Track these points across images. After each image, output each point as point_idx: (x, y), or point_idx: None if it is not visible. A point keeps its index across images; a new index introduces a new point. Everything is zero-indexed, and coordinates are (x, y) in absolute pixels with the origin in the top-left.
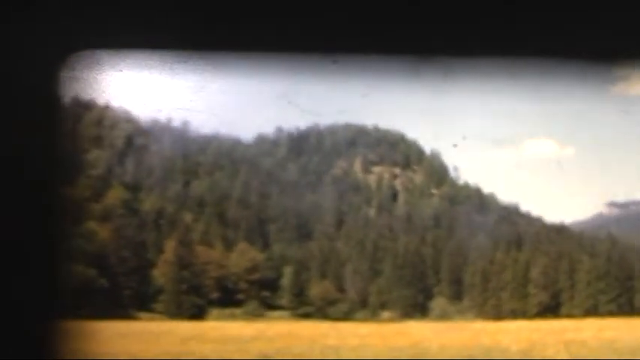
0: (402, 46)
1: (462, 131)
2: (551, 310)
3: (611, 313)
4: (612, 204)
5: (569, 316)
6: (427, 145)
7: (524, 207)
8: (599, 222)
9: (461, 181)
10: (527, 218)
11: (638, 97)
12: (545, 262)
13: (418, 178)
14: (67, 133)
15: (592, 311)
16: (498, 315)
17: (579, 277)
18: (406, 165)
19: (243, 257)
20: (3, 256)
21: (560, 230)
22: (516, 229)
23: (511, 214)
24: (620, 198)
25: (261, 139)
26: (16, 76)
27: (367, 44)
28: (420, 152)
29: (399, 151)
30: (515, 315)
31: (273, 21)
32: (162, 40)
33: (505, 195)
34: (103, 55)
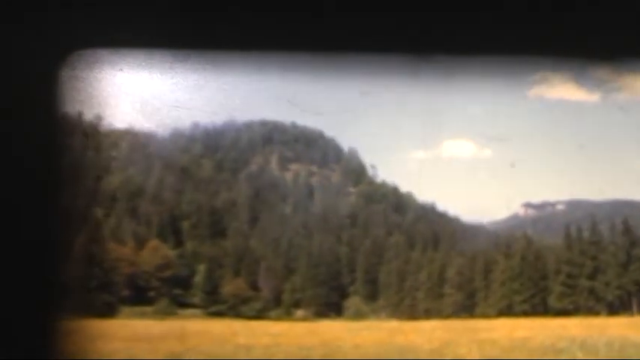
0: (402, 46)
1: (381, 130)
2: (466, 309)
3: (525, 313)
4: (528, 205)
5: (484, 315)
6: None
7: (441, 207)
8: (514, 222)
9: (378, 180)
10: (444, 218)
11: (554, 100)
12: (461, 262)
13: (335, 176)
14: (67, 133)
15: (506, 311)
16: (413, 314)
17: (494, 277)
18: (323, 163)
19: (155, 254)
20: (3, 256)
21: (476, 230)
22: (433, 229)
23: (428, 213)
24: (536, 199)
25: (176, 135)
26: (16, 75)
27: (367, 43)
28: (337, 150)
29: (317, 149)
30: (430, 314)
31: (273, 20)
32: (162, 38)
33: (422, 194)
34: (103, 54)
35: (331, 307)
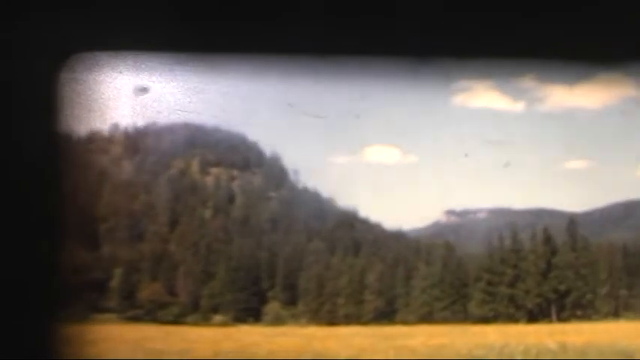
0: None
1: (305, 135)
2: (386, 316)
3: (446, 320)
4: (450, 212)
5: (404, 322)
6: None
7: (363, 213)
8: (436, 230)
9: (300, 185)
10: (366, 224)
11: (478, 109)
12: (382, 269)
13: (257, 180)
14: (67, 135)
15: (427, 318)
16: (332, 320)
17: (415, 283)
18: (245, 167)
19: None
20: (3, 256)
21: (397, 237)
22: (354, 235)
23: (349, 219)
24: (458, 206)
25: (95, 136)
26: (16, 78)
27: (367, 45)
28: (260, 155)
29: (239, 153)
30: (349, 320)
31: (273, 23)
32: (162, 42)
33: (344, 200)
34: (103, 57)
35: (250, 312)
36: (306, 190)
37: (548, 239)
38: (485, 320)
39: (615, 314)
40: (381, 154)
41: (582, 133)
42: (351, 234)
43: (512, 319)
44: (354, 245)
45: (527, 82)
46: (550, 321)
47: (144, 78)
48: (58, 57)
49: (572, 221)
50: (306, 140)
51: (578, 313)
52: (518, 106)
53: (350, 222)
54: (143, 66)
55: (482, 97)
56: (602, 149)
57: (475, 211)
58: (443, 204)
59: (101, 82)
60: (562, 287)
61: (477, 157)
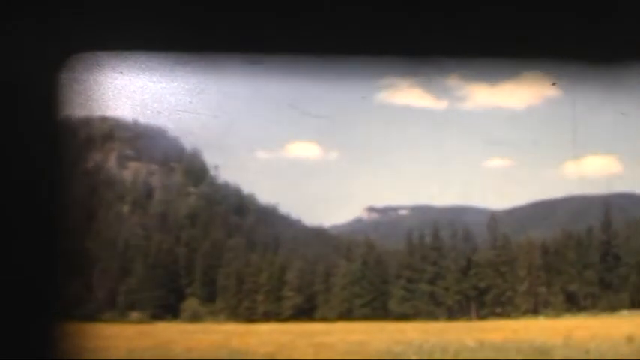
0: (402, 48)
1: (226, 130)
2: (305, 312)
3: (365, 317)
4: (371, 209)
5: (324, 319)
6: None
7: (284, 209)
8: (357, 227)
9: (220, 181)
10: (286, 220)
11: (402, 106)
12: (302, 265)
13: (176, 176)
14: (67, 135)
15: (346, 314)
16: (251, 317)
17: (335, 280)
18: (165, 162)
19: None
20: (3, 255)
21: (318, 233)
22: (273, 232)
23: (269, 215)
24: (380, 204)
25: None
26: (16, 78)
27: (368, 46)
28: (179, 149)
29: (158, 148)
30: (268, 317)
31: (274, 23)
32: (162, 41)
33: (265, 196)
34: (104, 57)
35: (168, 308)
36: (226, 186)
37: (468, 237)
38: (405, 317)
39: (534, 311)
40: (302, 150)
41: (504, 132)
42: (271, 230)
43: (432, 316)
44: (273, 241)
45: (451, 81)
46: (470, 318)
47: (144, 78)
48: (58, 57)
49: (493, 219)
50: (227, 136)
51: (498, 310)
52: (441, 104)
53: (270, 218)
54: (143, 66)
55: (405, 95)
56: (524, 148)
57: (396, 209)
58: (364, 201)
59: (101, 83)
60: (482, 284)
61: (399, 154)
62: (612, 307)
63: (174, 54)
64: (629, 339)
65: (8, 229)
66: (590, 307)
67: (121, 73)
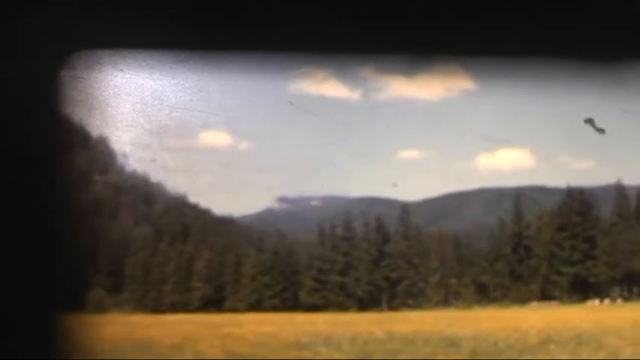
0: (401, 47)
1: (135, 119)
2: (214, 303)
3: (275, 308)
4: (282, 199)
5: (233, 310)
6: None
7: (193, 198)
8: (268, 216)
9: (129, 169)
10: (195, 210)
11: (315, 96)
12: (211, 256)
13: (81, 162)
14: (68, 133)
15: (256, 305)
16: (158, 308)
17: (245, 271)
18: (68, 148)
19: None
20: (3, 255)
21: (227, 223)
22: (182, 221)
23: (178, 205)
24: (291, 194)
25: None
26: (16, 76)
27: (367, 44)
28: (86, 136)
29: (63, 134)
30: (176, 308)
31: (274, 20)
32: (162, 39)
33: (174, 185)
34: (104, 55)
35: (72, 299)
36: (134, 174)
37: (380, 227)
38: (315, 308)
39: (445, 303)
40: (213, 139)
41: (418, 123)
42: (180, 220)
43: (342, 307)
44: (182, 231)
45: (365, 72)
46: (381, 309)
47: (144, 76)
48: (58, 55)
49: (405, 210)
50: (136, 123)
51: (409, 301)
52: (355, 95)
53: (179, 208)
54: (144, 64)
55: (319, 85)
56: (438, 140)
57: (308, 199)
58: (275, 191)
59: (102, 80)
60: (393, 275)
61: (312, 144)
62: (522, 299)
63: (175, 52)
64: (539, 330)
65: (9, 226)
66: (501, 298)
67: (121, 70)
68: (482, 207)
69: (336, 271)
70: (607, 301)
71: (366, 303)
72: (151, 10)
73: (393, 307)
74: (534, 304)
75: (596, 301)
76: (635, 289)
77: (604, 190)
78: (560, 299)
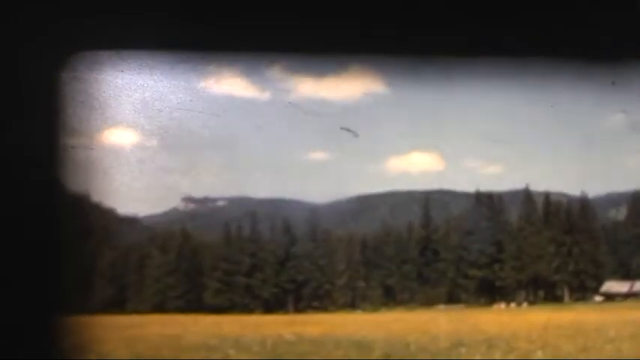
0: (404, 48)
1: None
2: (117, 305)
3: (179, 309)
4: (188, 199)
5: (136, 311)
6: None
7: (96, 197)
8: (173, 217)
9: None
10: (98, 209)
11: (224, 96)
12: (114, 256)
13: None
14: (68, 134)
15: (160, 307)
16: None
17: (148, 272)
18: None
19: None
20: (3, 255)
21: (131, 223)
22: (85, 220)
23: (81, 204)
24: (197, 194)
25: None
26: (17, 77)
27: (368, 45)
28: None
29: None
30: (78, 310)
31: (274, 21)
32: (163, 40)
33: (75, 184)
34: (104, 56)
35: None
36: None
37: (287, 229)
38: (220, 310)
39: (352, 305)
40: (118, 137)
41: (328, 125)
42: (82, 219)
43: (247, 309)
44: (84, 231)
45: (275, 73)
46: (286, 312)
47: (145, 77)
48: (59, 56)
49: (313, 212)
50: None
51: (315, 304)
52: (265, 96)
53: (81, 207)
54: (144, 65)
55: (228, 84)
56: (348, 142)
57: (214, 199)
58: (181, 191)
59: (102, 81)
60: (300, 277)
61: (219, 143)
62: (430, 302)
63: (175, 53)
64: (449, 334)
65: (9, 227)
66: (408, 301)
67: (122, 71)
68: (390, 210)
69: (242, 273)
70: (513, 304)
71: (272, 305)
72: (152, 12)
73: (298, 310)
74: (441, 307)
75: (503, 305)
76: (541, 293)
77: (512, 195)
78: (467, 302)
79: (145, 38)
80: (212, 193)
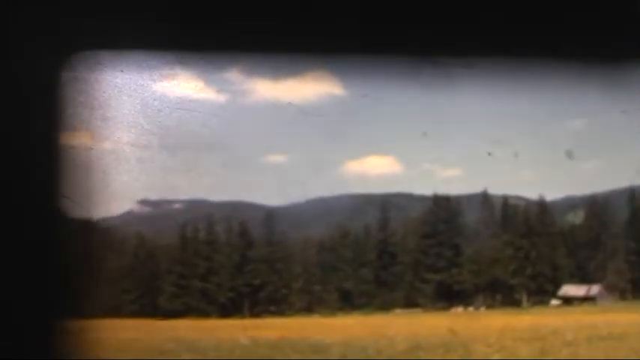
0: (403, 47)
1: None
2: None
3: (134, 314)
4: (144, 202)
5: (92, 315)
6: None
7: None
8: (129, 219)
9: None
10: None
11: (180, 97)
12: (67, 260)
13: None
14: (68, 134)
15: (114, 311)
16: None
17: (102, 275)
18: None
19: None
20: (3, 255)
21: (85, 226)
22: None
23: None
24: (153, 196)
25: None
26: (17, 77)
27: (368, 45)
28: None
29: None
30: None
31: (274, 21)
32: (163, 40)
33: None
34: (105, 56)
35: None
36: None
37: (244, 232)
38: (175, 314)
39: (308, 309)
40: (73, 138)
41: (286, 128)
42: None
43: (203, 313)
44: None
45: (233, 75)
46: (243, 316)
47: (145, 77)
48: (59, 56)
49: (269, 215)
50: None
51: (272, 308)
52: (222, 98)
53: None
54: (145, 65)
55: (184, 87)
56: (305, 145)
57: (170, 202)
58: (136, 193)
59: (103, 81)
60: (256, 281)
61: (174, 145)
62: (387, 306)
63: (175, 52)
64: (406, 337)
65: (9, 228)
66: (365, 305)
67: (122, 71)
68: (348, 213)
69: (198, 277)
70: (471, 308)
71: (228, 309)
72: (152, 12)
73: (255, 314)
74: (398, 311)
75: (460, 309)
76: (499, 297)
77: (470, 198)
78: (425, 306)
79: (146, 38)
80: (168, 195)
